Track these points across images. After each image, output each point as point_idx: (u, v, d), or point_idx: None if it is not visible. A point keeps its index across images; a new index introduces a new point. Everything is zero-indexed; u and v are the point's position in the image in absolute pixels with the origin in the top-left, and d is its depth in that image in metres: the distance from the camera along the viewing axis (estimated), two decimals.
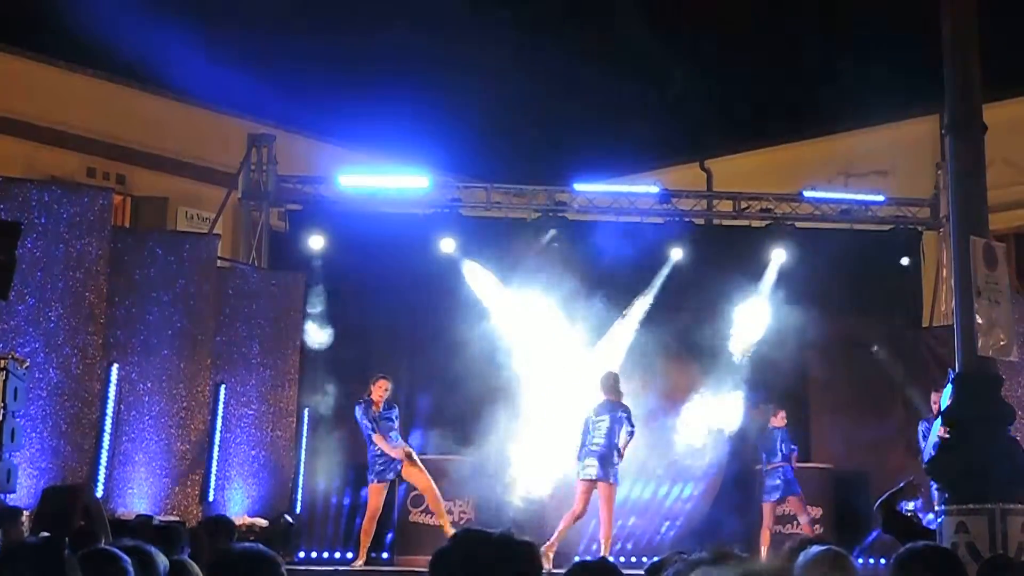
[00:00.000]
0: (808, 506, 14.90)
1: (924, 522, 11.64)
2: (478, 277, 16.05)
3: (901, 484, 7.70)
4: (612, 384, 13.57)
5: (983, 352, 9.11)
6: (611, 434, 13.22)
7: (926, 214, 17.45)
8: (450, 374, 15.28)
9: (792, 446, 14.92)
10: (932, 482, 10.79)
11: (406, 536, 14.27)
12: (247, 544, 4.58)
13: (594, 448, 13.23)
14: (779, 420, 14.95)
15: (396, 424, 13.42)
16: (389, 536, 14.58)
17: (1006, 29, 16.01)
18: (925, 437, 13.59)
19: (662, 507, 15.82)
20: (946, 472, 9.02)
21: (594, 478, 13.15)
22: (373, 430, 13.17)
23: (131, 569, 4.54)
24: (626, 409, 13.41)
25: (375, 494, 13.32)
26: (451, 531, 12.27)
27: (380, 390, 13.34)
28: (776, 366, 15.95)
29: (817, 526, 15.03)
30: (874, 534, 13.40)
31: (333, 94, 19.33)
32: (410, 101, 18.93)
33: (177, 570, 4.92)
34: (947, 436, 9.14)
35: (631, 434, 13.28)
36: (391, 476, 13.34)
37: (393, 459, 13.17)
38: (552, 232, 16.40)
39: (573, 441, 13.58)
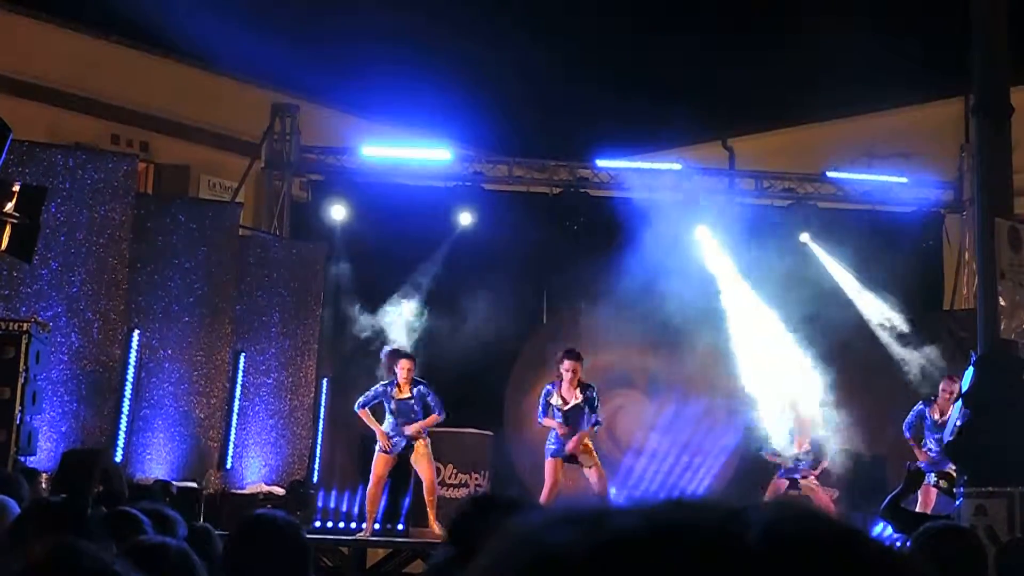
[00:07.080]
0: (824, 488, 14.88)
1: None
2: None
3: (900, 485, 7.15)
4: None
5: (1006, 335, 9.09)
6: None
7: (949, 197, 17.38)
8: (468, 346, 15.27)
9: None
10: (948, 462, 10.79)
11: (421, 508, 14.27)
12: (269, 510, 4.61)
13: None
14: None
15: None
16: (404, 507, 14.60)
17: None
18: (918, 418, 13.36)
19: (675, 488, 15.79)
20: (966, 455, 9.00)
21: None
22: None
23: (151, 530, 4.59)
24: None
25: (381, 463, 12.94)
26: (436, 526, 12.06)
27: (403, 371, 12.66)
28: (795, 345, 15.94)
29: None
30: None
31: (357, 66, 19.27)
32: (434, 74, 18.86)
33: (200, 535, 4.96)
34: (968, 418, 9.12)
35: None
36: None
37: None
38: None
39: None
